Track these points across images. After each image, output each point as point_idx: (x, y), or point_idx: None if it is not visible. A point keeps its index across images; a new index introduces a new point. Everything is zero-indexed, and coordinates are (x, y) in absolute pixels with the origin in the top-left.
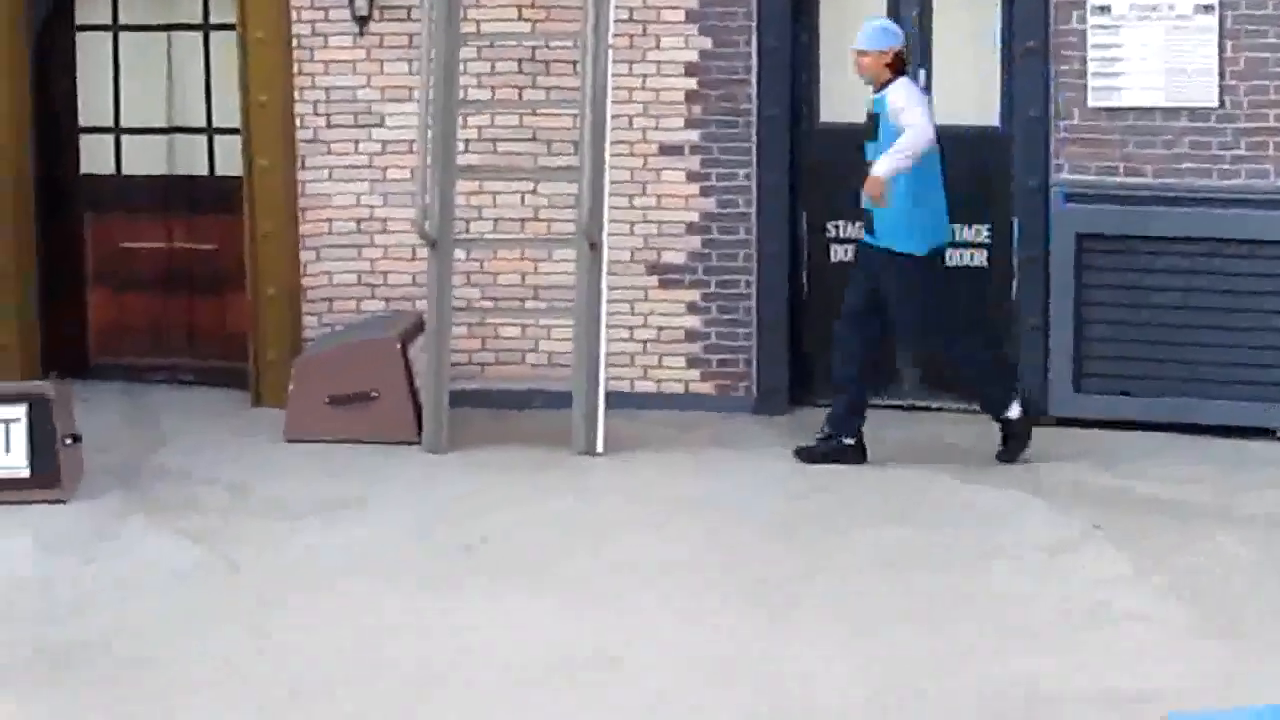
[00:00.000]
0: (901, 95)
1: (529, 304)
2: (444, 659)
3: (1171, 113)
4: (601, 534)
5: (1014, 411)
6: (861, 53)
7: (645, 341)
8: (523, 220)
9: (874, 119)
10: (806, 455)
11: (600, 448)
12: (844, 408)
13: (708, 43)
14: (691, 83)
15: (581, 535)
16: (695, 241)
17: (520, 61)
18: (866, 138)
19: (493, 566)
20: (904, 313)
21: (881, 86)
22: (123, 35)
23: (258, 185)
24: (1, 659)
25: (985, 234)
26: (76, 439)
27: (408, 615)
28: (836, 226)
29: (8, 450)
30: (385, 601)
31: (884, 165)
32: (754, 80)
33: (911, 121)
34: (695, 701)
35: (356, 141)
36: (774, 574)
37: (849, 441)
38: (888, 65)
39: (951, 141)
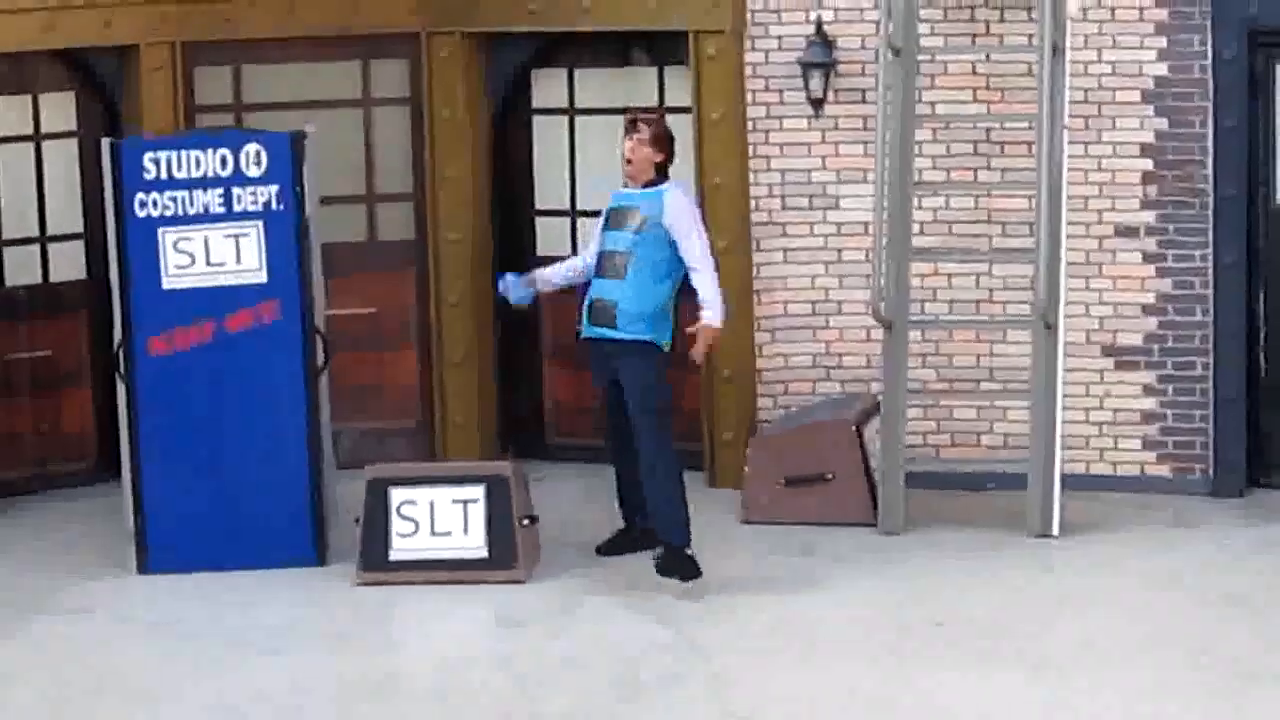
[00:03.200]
0: (681, 204)
1: (984, 386)
2: None
3: None
4: (1062, 613)
5: (691, 550)
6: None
7: (1101, 424)
8: (978, 302)
9: (617, 210)
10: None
11: (1056, 529)
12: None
13: (1164, 123)
14: (1147, 163)
15: (1042, 614)
16: (1151, 323)
17: (975, 143)
18: (611, 226)
19: (953, 644)
20: (648, 400)
21: (651, 184)
22: (579, 118)
23: None
24: None
25: None
26: (534, 520)
27: (880, 691)
28: None
29: (466, 531)
30: (850, 677)
31: (718, 315)
32: (1210, 160)
33: (701, 252)
34: None
35: (811, 224)
36: (1237, 652)
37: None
38: (656, 166)
39: None
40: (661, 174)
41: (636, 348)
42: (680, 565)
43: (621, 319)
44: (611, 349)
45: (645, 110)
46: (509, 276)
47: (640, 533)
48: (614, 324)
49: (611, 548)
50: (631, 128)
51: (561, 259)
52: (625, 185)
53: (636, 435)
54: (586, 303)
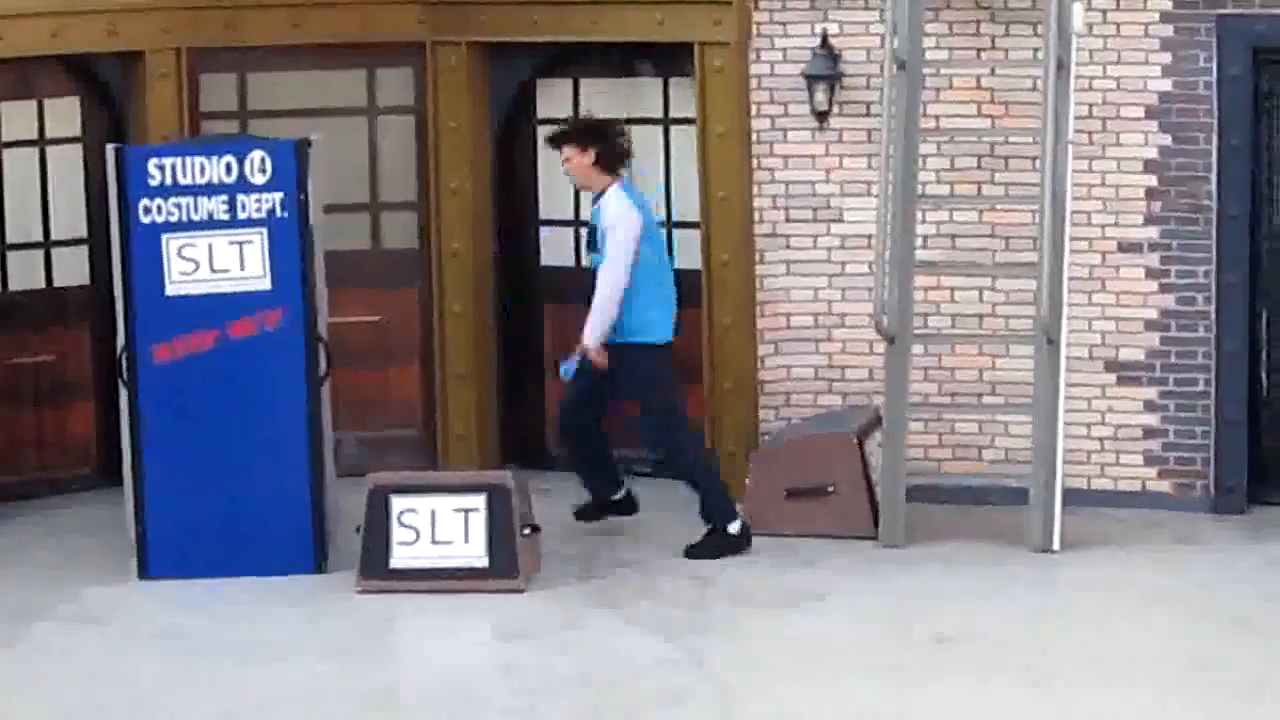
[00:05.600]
0: (611, 211)
1: (986, 400)
2: None
3: None
4: (1064, 629)
5: (735, 527)
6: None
7: (1102, 439)
8: (980, 316)
9: (593, 230)
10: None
11: (1057, 544)
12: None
13: (1168, 139)
14: (1151, 179)
15: (1044, 630)
16: (1154, 338)
17: (979, 157)
18: (589, 248)
19: (958, 660)
20: (658, 402)
21: (601, 193)
22: None
23: (716, 279)
24: None
25: None
26: (535, 529)
27: (876, 705)
28: None
29: (466, 540)
30: (853, 691)
31: (592, 334)
32: (1214, 178)
33: (608, 260)
34: None
35: (815, 236)
36: (1239, 670)
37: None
38: (594, 165)
39: None
40: (611, 171)
41: (631, 350)
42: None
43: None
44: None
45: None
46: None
47: (611, 501)
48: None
49: (587, 513)
50: (551, 144)
51: (566, 270)
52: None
53: (643, 433)
54: None
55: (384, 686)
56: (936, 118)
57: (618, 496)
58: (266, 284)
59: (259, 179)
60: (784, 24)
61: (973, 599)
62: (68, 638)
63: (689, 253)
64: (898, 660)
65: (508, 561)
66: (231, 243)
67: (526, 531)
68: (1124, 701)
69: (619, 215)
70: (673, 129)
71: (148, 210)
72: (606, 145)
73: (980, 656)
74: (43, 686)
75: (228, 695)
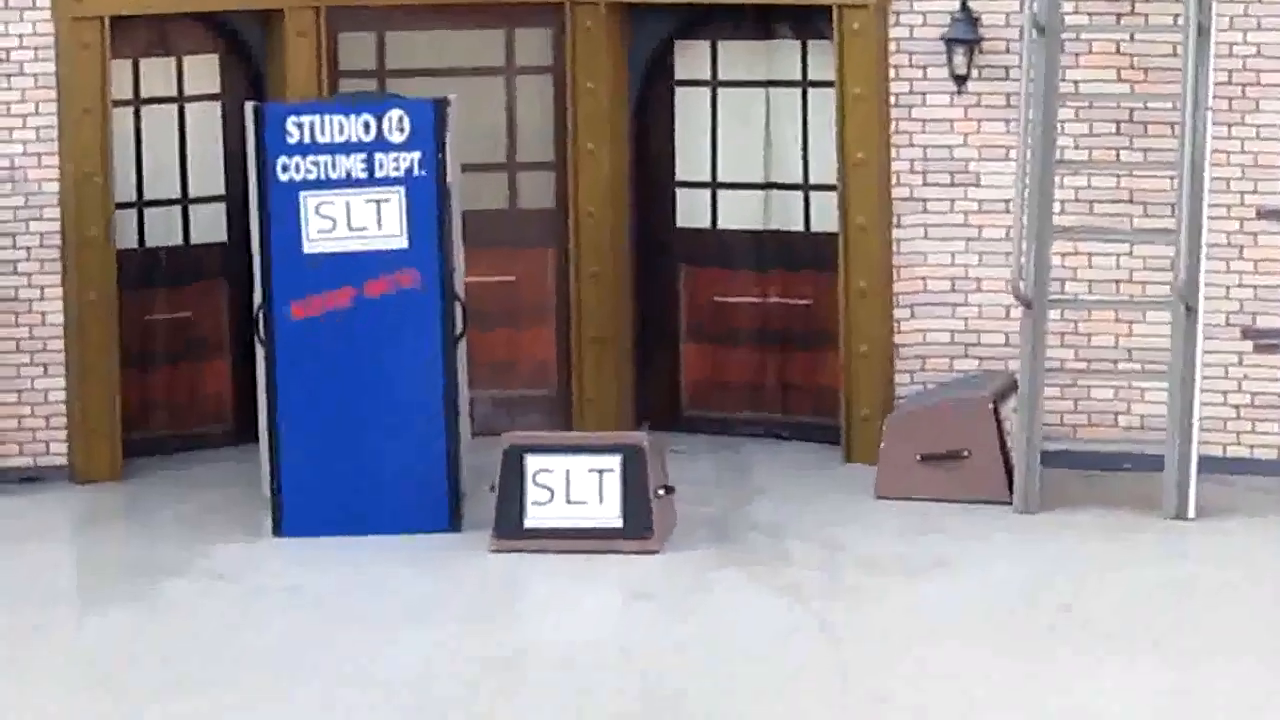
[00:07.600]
0: None
1: (1122, 366)
2: None
3: None
4: (1195, 600)
5: None
6: None
7: (1239, 406)
8: (1117, 282)
9: None
10: None
11: (1192, 512)
12: None
13: None
14: None
15: (1175, 601)
16: None
17: (1118, 123)
18: None
19: (1086, 630)
20: None
21: None
22: (721, 91)
23: (853, 242)
24: (603, 707)
25: None
26: (669, 491)
27: (1003, 676)
28: None
29: (601, 501)
30: (980, 662)
31: None
32: None
33: None
34: None
35: (952, 200)
36: None
37: None
38: None
39: None
40: None
41: None
42: None
43: None
44: None
45: None
46: None
47: None
48: None
49: None
50: None
51: (702, 232)
52: None
53: None
54: None
55: (509, 646)
56: (1075, 83)
57: None
58: (404, 243)
59: (397, 138)
60: None
61: (1104, 567)
62: (201, 594)
63: (826, 216)
64: (1024, 627)
65: (642, 523)
66: (369, 201)
67: (660, 493)
68: (1246, 673)
69: None
70: (810, 92)
71: (285, 168)
72: None
73: (1107, 625)
74: (174, 642)
75: (356, 653)
